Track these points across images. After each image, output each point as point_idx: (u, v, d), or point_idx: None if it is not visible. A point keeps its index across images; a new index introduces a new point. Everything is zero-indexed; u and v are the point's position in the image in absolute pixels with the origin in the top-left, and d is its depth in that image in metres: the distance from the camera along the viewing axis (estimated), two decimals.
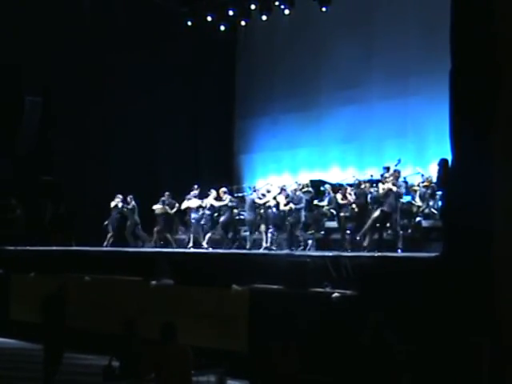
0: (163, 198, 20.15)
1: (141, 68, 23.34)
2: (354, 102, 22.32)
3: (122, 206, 20.27)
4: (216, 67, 25.16)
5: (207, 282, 14.23)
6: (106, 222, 20.29)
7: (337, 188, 18.46)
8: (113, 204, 20.28)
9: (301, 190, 18.51)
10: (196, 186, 19.95)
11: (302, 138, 23.68)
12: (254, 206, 18.36)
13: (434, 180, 16.90)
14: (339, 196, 17.52)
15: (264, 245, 17.85)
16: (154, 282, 15.36)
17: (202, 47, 24.45)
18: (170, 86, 23.99)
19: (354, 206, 16.94)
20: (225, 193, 19.18)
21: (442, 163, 12.78)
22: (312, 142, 23.43)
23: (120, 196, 20.30)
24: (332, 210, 17.90)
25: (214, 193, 19.19)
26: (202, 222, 19.32)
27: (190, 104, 24.96)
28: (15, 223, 20.78)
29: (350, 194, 17.32)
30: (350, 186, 17.87)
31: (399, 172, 16.56)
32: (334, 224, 17.88)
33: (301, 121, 23.72)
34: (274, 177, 23.54)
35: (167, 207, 20.13)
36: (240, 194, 21.17)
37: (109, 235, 20.14)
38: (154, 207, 20.21)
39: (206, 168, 24.61)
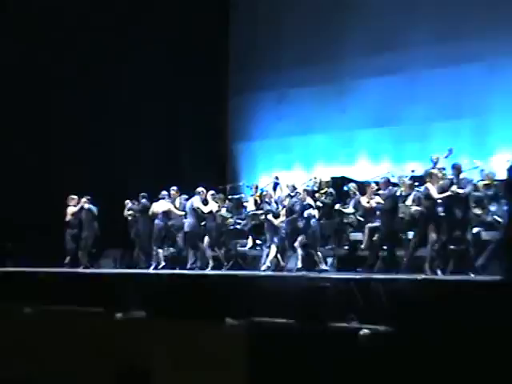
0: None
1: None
2: (391, 72, 22.45)
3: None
4: (204, 30, 25.25)
5: (191, 315, 14.30)
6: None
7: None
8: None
9: (318, 191, 18.61)
10: (176, 188, 20.19)
11: (319, 119, 23.81)
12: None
13: (497, 177, 16.98)
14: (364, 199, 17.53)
15: None
16: (119, 315, 15.43)
17: (188, 5, 24.65)
18: (149, 54, 24.37)
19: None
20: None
21: None
22: (332, 125, 23.55)
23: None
24: (359, 218, 17.98)
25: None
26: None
27: (171, 77, 25.06)
28: None
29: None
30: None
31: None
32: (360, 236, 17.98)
33: (317, 96, 23.87)
34: (282, 172, 23.55)
35: None
36: (236, 196, 21.23)
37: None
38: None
39: (190, 162, 24.72)
